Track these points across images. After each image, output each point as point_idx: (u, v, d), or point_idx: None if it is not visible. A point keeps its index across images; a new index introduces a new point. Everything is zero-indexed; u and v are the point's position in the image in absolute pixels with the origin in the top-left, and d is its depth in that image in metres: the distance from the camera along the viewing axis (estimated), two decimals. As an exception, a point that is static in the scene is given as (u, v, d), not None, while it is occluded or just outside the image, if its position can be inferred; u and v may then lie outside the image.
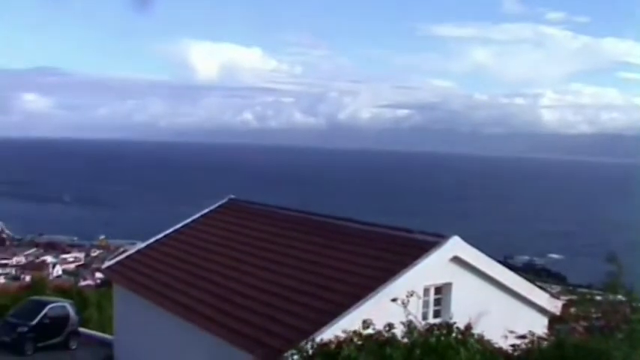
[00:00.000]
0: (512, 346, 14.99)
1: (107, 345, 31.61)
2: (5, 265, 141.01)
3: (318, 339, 15.33)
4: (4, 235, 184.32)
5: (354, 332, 13.57)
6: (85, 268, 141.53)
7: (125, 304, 27.93)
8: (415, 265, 19.27)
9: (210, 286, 23.46)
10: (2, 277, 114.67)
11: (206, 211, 30.12)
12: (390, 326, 13.39)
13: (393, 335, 13.24)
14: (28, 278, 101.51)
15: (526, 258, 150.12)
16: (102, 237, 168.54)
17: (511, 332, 15.29)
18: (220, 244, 26.46)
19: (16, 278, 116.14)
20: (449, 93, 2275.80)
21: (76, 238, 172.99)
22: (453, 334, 12.98)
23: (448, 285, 20.46)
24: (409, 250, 20.20)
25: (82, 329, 33.79)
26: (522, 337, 15.01)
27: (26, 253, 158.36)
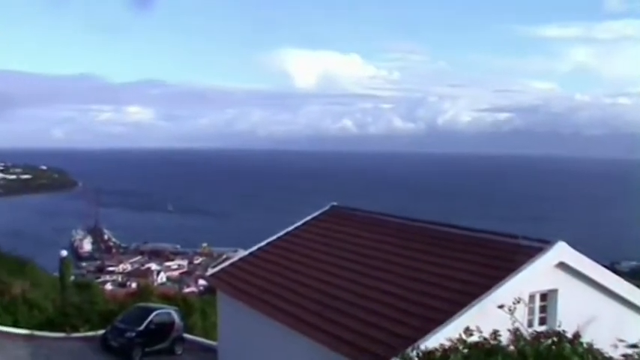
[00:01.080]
0: (624, 356, 14.42)
1: (211, 351, 32.04)
2: (112, 272, 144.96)
3: (421, 346, 15.17)
4: (110, 243, 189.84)
5: (459, 339, 13.36)
6: (189, 275, 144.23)
7: (229, 311, 28.19)
8: (520, 271, 18.85)
9: (313, 293, 23.47)
10: (109, 283, 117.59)
11: (308, 218, 30.14)
12: (496, 333, 13.15)
13: (499, 343, 12.99)
14: (134, 285, 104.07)
15: (633, 263, 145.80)
16: (204, 244, 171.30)
17: (621, 341, 14.72)
18: (322, 251, 26.45)
19: (122, 285, 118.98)
20: (550, 95, 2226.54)
21: (179, 246, 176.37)
22: (563, 343, 12.65)
23: (554, 292, 19.93)
24: (513, 255, 19.77)
25: (186, 335, 34.31)
26: (634, 346, 14.42)
27: (132, 260, 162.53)
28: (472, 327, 13.52)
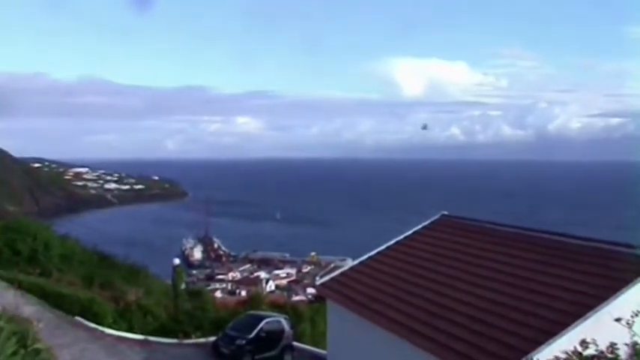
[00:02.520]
0: None
1: (320, 359, 32.12)
2: (222, 280, 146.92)
3: (534, 358, 14.82)
4: (220, 252, 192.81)
5: (575, 352, 12.98)
6: (297, 283, 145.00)
7: (338, 320, 28.21)
8: (638, 282, 18.24)
9: (423, 303, 23.31)
10: (219, 291, 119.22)
11: (418, 227, 29.97)
12: (614, 347, 12.71)
13: (617, 357, 12.55)
14: (243, 293, 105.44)
15: None
16: (313, 253, 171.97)
17: None
18: (433, 261, 26.24)
19: (231, 293, 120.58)
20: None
21: (287, 255, 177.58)
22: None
23: (675, 304, 19.17)
24: (630, 266, 19.17)
25: (296, 343, 34.46)
26: None
27: (241, 268, 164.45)
28: (588, 340, 13.11)
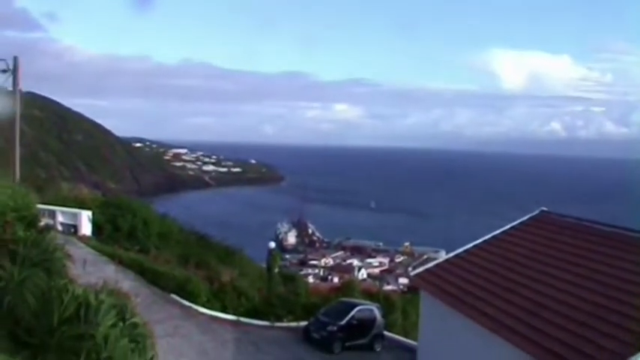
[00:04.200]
0: None
1: (410, 350, 31.95)
2: (315, 266, 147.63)
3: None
4: (314, 238, 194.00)
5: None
6: (389, 273, 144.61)
7: (431, 312, 28.02)
8: None
9: (518, 299, 22.95)
10: (311, 276, 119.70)
11: (516, 223, 29.54)
12: None
13: None
14: (335, 279, 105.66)
15: None
16: (406, 243, 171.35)
17: None
18: (530, 257, 25.80)
19: (324, 279, 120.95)
20: None
21: (381, 244, 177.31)
22: None
23: None
24: None
25: (386, 333, 34.34)
26: None
27: (334, 255, 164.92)
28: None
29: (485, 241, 29.09)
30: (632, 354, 16.66)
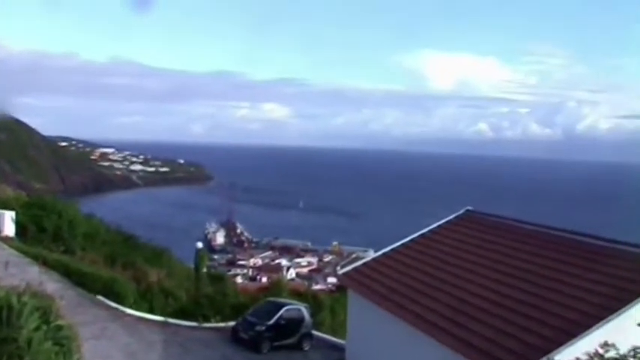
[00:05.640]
0: None
1: (338, 349, 32.09)
2: (243, 266, 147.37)
3: (555, 358, 14.72)
4: (242, 238, 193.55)
5: (596, 354, 12.88)
6: (318, 272, 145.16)
7: (359, 310, 28.24)
8: (664, 287, 18.07)
9: (444, 297, 23.29)
10: (240, 276, 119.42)
11: (442, 222, 29.94)
12: (636, 350, 12.59)
13: (640, 361, 12.44)
14: (264, 279, 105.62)
15: None
16: (335, 243, 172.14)
17: None
18: (456, 256, 26.18)
19: (252, 279, 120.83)
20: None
21: (309, 243, 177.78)
22: None
23: (699, 309, 18.94)
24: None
25: (315, 332, 34.45)
26: None
27: (262, 255, 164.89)
28: (612, 342, 12.99)
29: (411, 239, 29.40)
30: (554, 349, 17.02)
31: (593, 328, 17.36)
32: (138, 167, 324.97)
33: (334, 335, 35.25)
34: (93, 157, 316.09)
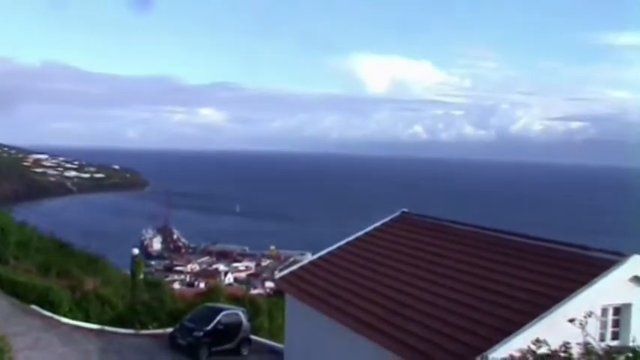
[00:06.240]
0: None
1: (277, 353, 32.17)
2: (180, 272, 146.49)
3: (490, 356, 15.01)
4: (179, 243, 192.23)
5: (529, 350, 13.19)
6: (256, 277, 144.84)
7: (296, 314, 28.29)
8: (593, 283, 18.51)
9: (381, 299, 23.45)
10: (177, 282, 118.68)
11: (378, 224, 30.09)
12: (567, 346, 12.92)
13: (570, 356, 12.77)
14: (201, 285, 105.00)
15: None
16: (272, 247, 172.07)
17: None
18: (392, 258, 26.38)
19: (190, 284, 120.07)
20: (625, 103, 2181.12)
21: (247, 248, 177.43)
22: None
23: (628, 306, 19.52)
24: (586, 267, 19.44)
25: (253, 337, 34.45)
26: None
27: (200, 260, 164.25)
28: (544, 339, 13.31)
29: (348, 242, 29.52)
30: (489, 347, 17.30)
31: (527, 325, 17.65)
32: (72, 173, 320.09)
33: (273, 339, 35.30)
34: (26, 164, 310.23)
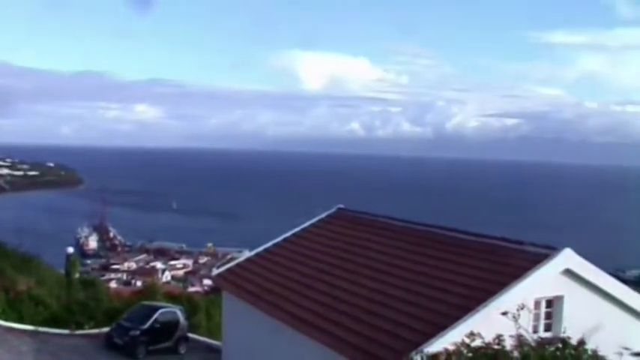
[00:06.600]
0: (628, 363, 14.42)
1: (215, 351, 32.10)
2: (117, 270, 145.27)
3: (426, 350, 15.20)
4: (116, 242, 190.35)
5: (463, 343, 13.40)
6: (193, 274, 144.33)
7: (233, 311, 28.25)
8: (526, 277, 18.86)
9: (318, 295, 23.51)
10: (114, 281, 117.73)
11: (314, 220, 30.18)
12: (500, 338, 13.17)
13: (503, 348, 13.02)
14: (138, 283, 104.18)
15: (638, 272, 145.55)
16: (209, 244, 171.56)
17: (626, 349, 14.70)
18: (328, 254, 26.47)
19: (127, 283, 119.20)
20: (558, 101, 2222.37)
21: (184, 245, 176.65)
22: (567, 350, 12.66)
23: (560, 298, 19.91)
24: (520, 261, 19.77)
25: (191, 335, 34.35)
26: (638, 354, 14.42)
27: (137, 258, 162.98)
28: (478, 332, 13.55)
29: (284, 239, 29.51)
30: (425, 341, 17.51)
31: (462, 319, 17.91)
32: (5, 171, 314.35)
33: (210, 337, 35.25)
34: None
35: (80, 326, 33.22)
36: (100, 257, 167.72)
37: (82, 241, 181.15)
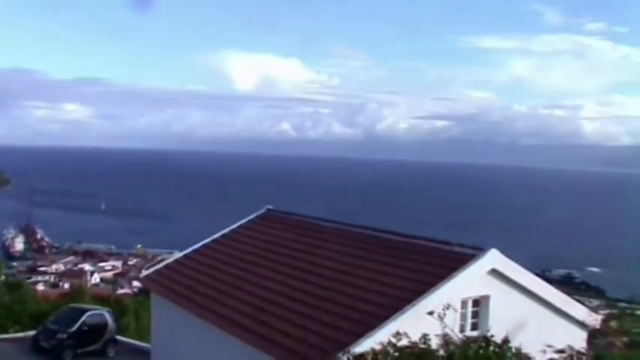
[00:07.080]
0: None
1: (144, 353, 31.84)
2: (44, 273, 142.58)
3: (353, 350, 15.33)
4: (43, 243, 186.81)
5: (389, 343, 13.53)
6: (123, 276, 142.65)
7: (162, 313, 28.08)
8: (453, 277, 19.13)
9: (247, 296, 23.50)
10: (41, 284, 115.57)
11: (243, 221, 30.18)
12: (426, 338, 13.34)
13: (429, 347, 13.19)
14: (66, 286, 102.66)
15: (564, 271, 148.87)
16: (139, 246, 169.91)
17: (549, 346, 14.99)
18: (257, 255, 26.50)
19: (54, 285, 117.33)
20: (487, 104, 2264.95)
21: (113, 247, 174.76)
22: (491, 348, 12.90)
23: (486, 298, 20.26)
24: (447, 262, 20.05)
25: (119, 337, 34.05)
26: (561, 351, 14.71)
27: (65, 260, 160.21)
28: (404, 332, 13.70)
29: (213, 239, 29.45)
30: (353, 341, 17.64)
31: (390, 319, 18.08)
32: None
33: (140, 339, 35.02)
34: None
35: (5, 330, 32.70)
36: (27, 259, 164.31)
37: (7, 242, 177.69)
